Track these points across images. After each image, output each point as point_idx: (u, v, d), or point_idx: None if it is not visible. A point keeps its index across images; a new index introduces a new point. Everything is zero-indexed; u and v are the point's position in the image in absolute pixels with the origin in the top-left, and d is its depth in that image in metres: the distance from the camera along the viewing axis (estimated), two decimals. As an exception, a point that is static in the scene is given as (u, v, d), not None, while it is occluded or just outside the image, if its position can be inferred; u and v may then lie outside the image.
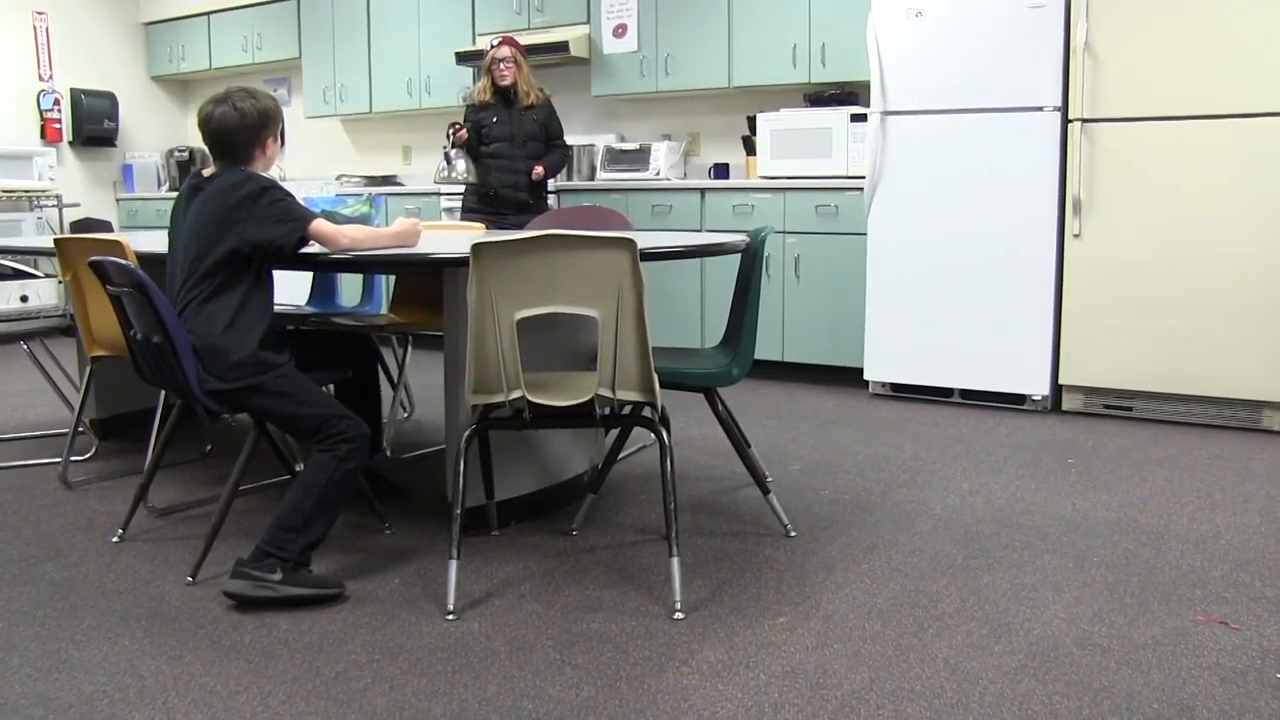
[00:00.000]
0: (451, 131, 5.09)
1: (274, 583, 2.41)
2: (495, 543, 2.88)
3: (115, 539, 2.90)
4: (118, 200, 8.12)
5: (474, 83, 5.65)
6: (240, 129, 2.61)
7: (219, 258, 2.56)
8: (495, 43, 5.17)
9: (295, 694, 2.04)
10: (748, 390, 4.99)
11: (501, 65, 5.08)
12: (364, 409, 3.09)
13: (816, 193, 5.04)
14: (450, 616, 2.38)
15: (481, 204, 5.20)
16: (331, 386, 3.08)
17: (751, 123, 5.51)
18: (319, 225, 2.61)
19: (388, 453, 3.81)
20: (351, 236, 2.68)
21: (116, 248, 2.94)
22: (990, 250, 4.47)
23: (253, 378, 2.56)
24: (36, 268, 6.86)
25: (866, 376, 4.87)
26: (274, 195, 2.59)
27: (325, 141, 7.74)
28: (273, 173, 2.84)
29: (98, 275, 2.69)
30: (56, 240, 3.21)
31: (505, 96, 5.13)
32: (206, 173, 2.68)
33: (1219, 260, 4.04)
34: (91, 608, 2.47)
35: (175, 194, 2.79)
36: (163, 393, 2.96)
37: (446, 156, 5.14)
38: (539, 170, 5.16)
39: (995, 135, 4.41)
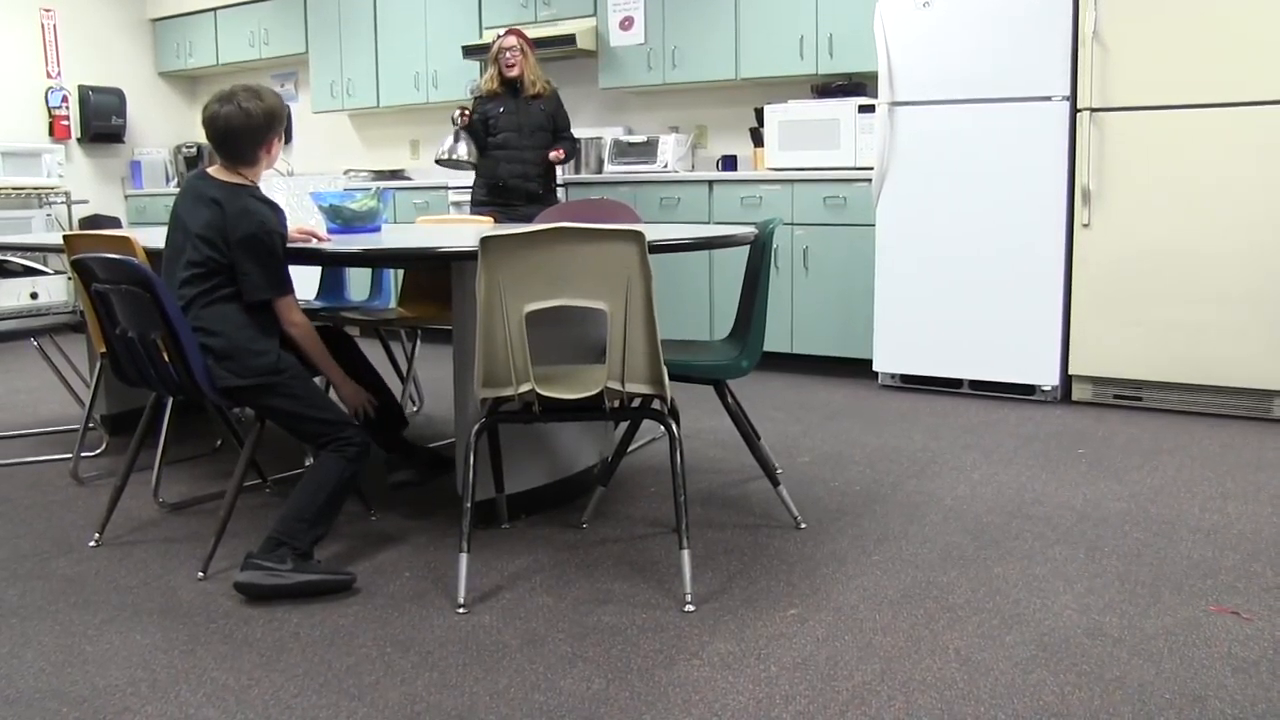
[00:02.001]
0: (458, 114, 5.09)
1: (285, 571, 2.43)
2: (505, 536, 2.88)
3: (92, 543, 2.88)
4: (126, 196, 8.14)
5: (481, 75, 5.64)
6: (246, 130, 2.62)
7: (222, 266, 2.59)
8: (502, 34, 5.16)
9: (307, 687, 2.04)
10: (757, 382, 4.98)
11: (508, 55, 5.05)
12: (370, 388, 3.08)
13: (824, 184, 5.03)
14: (461, 609, 2.38)
15: (491, 196, 5.17)
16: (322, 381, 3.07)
17: (759, 114, 5.50)
18: (284, 303, 2.67)
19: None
20: (300, 335, 2.71)
21: (125, 244, 2.94)
22: (999, 240, 4.46)
23: (268, 377, 2.59)
24: (46, 264, 6.88)
25: (875, 368, 4.86)
26: (272, 248, 2.62)
27: (332, 136, 7.75)
28: (279, 168, 2.85)
29: (80, 274, 2.70)
30: (66, 237, 3.21)
31: (512, 87, 5.10)
32: (212, 170, 2.69)
33: (1229, 249, 4.02)
34: (104, 602, 2.48)
35: (183, 190, 2.80)
36: (153, 393, 2.96)
37: (457, 134, 5.11)
38: (558, 153, 5.13)
39: (1004, 125, 4.39)
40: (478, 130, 5.13)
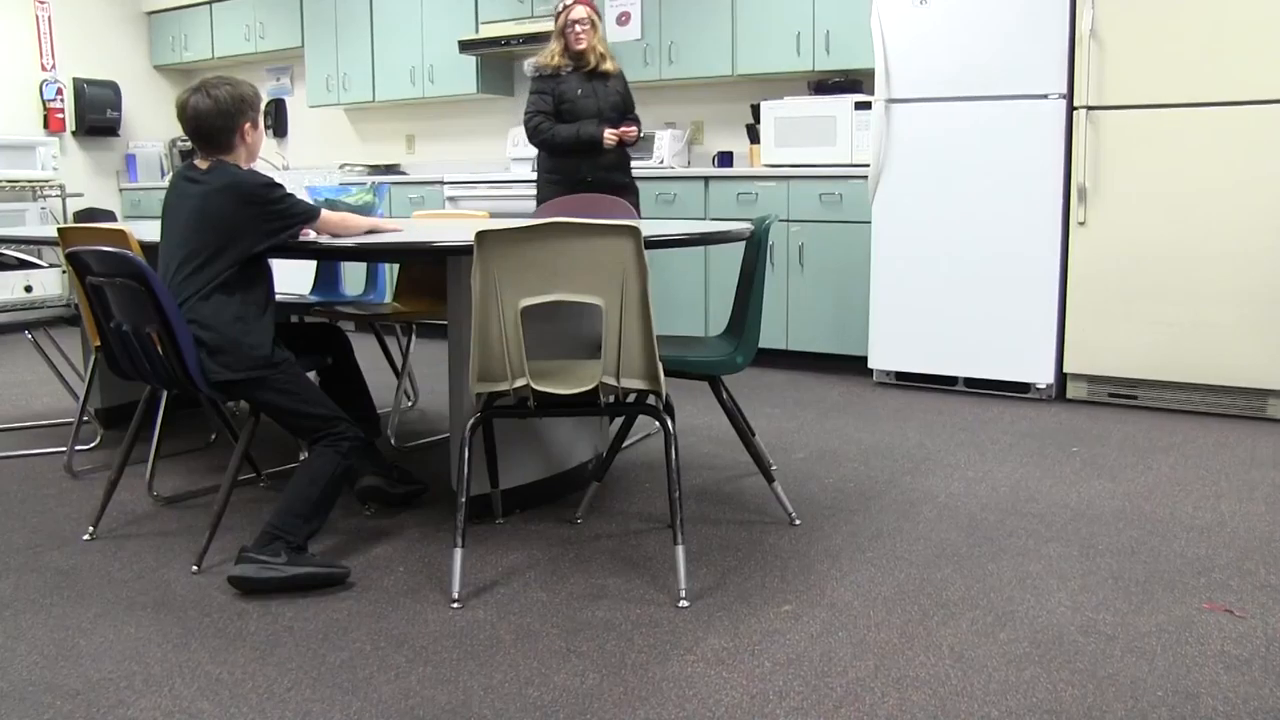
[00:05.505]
0: (616, 136, 4.48)
1: (280, 564, 2.43)
2: (500, 531, 2.88)
3: (86, 537, 2.87)
4: (121, 190, 8.12)
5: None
6: (215, 115, 2.62)
7: (230, 258, 2.58)
8: (568, 2, 4.54)
9: (301, 681, 2.04)
10: (752, 379, 4.98)
11: (577, 28, 4.49)
12: (351, 394, 3.11)
13: (820, 181, 5.03)
14: (455, 604, 2.38)
15: (570, 192, 4.42)
16: (315, 376, 3.08)
17: (755, 111, 5.50)
18: (328, 217, 2.76)
19: (391, 441, 3.81)
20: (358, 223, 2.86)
21: (120, 237, 2.93)
22: (995, 238, 4.46)
23: (261, 371, 2.58)
24: (40, 258, 6.87)
25: (871, 365, 4.86)
26: (276, 193, 2.64)
27: (328, 130, 7.73)
28: (274, 161, 2.87)
29: (75, 267, 2.69)
30: (60, 230, 3.20)
31: (580, 64, 4.55)
32: (201, 164, 2.68)
33: (1224, 248, 4.03)
34: (97, 596, 2.47)
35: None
36: (147, 387, 2.98)
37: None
38: (633, 129, 4.55)
39: (1000, 123, 4.40)
40: (548, 115, 4.55)
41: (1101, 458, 3.56)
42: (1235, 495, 3.14)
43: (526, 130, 4.59)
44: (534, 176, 5.89)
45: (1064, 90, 4.27)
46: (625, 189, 4.60)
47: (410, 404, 4.51)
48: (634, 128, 4.55)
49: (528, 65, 4.67)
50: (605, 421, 3.39)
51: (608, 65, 4.58)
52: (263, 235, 2.61)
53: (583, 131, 4.47)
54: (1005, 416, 4.18)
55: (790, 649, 2.15)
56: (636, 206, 4.64)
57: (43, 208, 7.36)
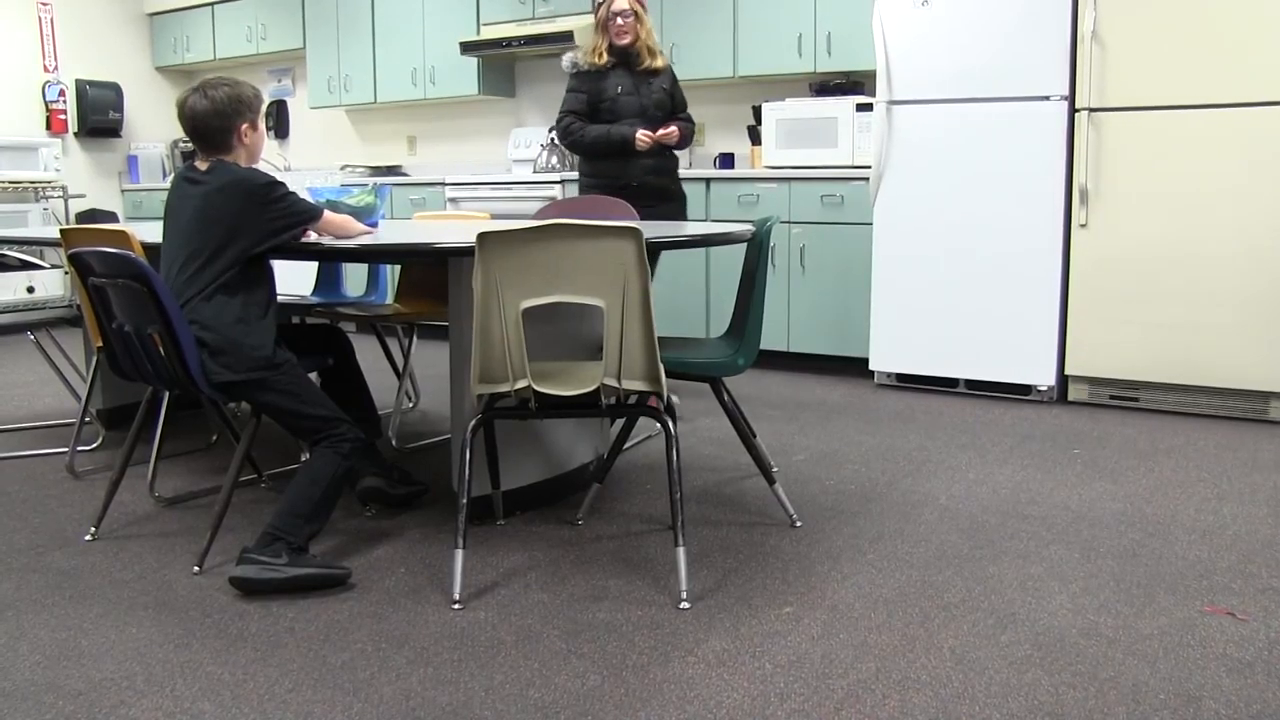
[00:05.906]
0: (649, 139, 4.16)
1: (281, 565, 2.43)
2: (501, 532, 2.88)
3: (88, 537, 2.87)
4: (123, 191, 8.13)
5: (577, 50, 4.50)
6: (212, 115, 2.63)
7: (231, 257, 2.58)
8: None
9: (302, 682, 2.04)
10: (753, 380, 4.98)
11: (619, 20, 4.17)
12: (352, 395, 3.12)
13: (822, 183, 5.03)
14: (456, 606, 2.38)
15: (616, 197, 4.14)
16: (316, 377, 3.09)
17: (757, 112, 5.50)
18: (329, 218, 2.76)
19: (392, 442, 3.81)
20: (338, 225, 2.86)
21: (122, 238, 2.93)
22: (996, 240, 4.46)
23: (262, 372, 2.59)
24: (42, 259, 6.87)
25: (872, 367, 4.86)
26: (277, 192, 2.64)
27: (330, 132, 7.73)
28: (275, 162, 2.88)
29: (77, 268, 2.70)
30: (63, 231, 3.21)
31: (625, 60, 4.25)
32: (201, 165, 2.69)
33: (1226, 250, 4.03)
34: (99, 596, 2.47)
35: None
36: (149, 388, 2.98)
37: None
38: (673, 130, 4.21)
39: (1002, 125, 4.40)
40: (582, 116, 4.27)
41: (1103, 460, 3.56)
42: (1237, 498, 3.13)
43: (557, 130, 4.39)
44: (535, 178, 5.95)
45: (1066, 92, 4.27)
46: (669, 196, 4.38)
47: (411, 405, 4.51)
48: (674, 128, 4.21)
49: (565, 60, 4.37)
50: (606, 423, 3.39)
51: (657, 62, 4.28)
52: (265, 234, 2.61)
53: (613, 133, 4.19)
54: (1006, 418, 4.18)
55: (791, 651, 2.15)
56: (683, 215, 4.50)
57: (45, 209, 7.37)
